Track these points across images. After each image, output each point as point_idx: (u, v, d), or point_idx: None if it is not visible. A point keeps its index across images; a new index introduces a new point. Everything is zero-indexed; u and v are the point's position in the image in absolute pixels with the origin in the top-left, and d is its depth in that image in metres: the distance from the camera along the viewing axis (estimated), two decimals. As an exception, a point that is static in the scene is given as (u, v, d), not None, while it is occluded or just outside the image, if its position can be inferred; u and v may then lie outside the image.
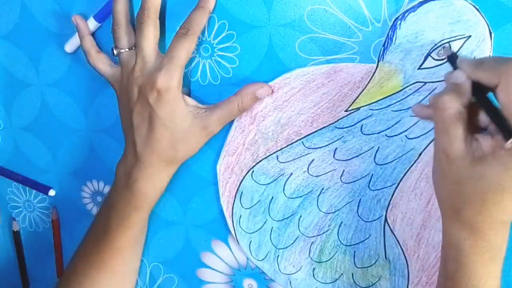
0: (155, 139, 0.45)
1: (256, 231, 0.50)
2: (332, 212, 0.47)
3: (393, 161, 0.44)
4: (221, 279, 0.54)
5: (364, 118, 0.43)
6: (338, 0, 0.41)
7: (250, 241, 0.51)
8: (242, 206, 0.50)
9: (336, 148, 0.45)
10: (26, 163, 0.60)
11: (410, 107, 0.42)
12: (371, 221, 0.46)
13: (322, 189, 0.47)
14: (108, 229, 0.49)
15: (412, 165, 0.43)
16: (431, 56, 0.40)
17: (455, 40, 0.39)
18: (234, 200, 0.50)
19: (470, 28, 0.38)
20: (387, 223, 0.46)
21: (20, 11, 0.52)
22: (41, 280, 0.66)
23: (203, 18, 0.43)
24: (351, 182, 0.46)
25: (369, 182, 0.45)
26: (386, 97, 0.42)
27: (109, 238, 0.49)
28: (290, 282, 0.51)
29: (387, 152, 0.44)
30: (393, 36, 0.40)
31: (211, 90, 0.47)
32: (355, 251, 0.48)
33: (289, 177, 0.47)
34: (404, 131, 0.43)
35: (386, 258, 0.47)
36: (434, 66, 0.40)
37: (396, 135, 0.43)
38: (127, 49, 0.46)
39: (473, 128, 0.36)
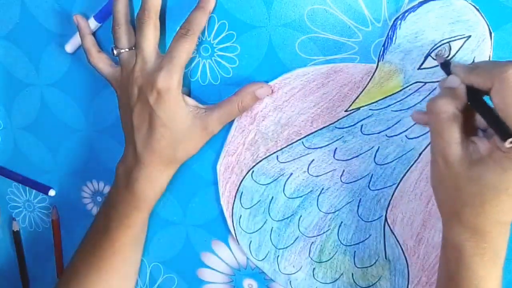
0: (155, 139, 0.45)
1: (256, 231, 0.50)
2: (332, 212, 0.47)
3: (393, 161, 0.44)
4: (221, 279, 0.54)
5: (364, 118, 0.43)
6: (338, 0, 0.41)
7: (250, 241, 0.51)
8: (242, 206, 0.50)
9: (336, 148, 0.45)
10: (26, 163, 0.60)
11: (410, 107, 0.42)
12: (371, 221, 0.46)
13: (322, 189, 0.47)
14: (108, 229, 0.49)
15: (412, 165, 0.43)
16: (431, 56, 0.40)
17: (455, 40, 0.39)
18: (234, 200, 0.50)
19: (470, 28, 0.38)
20: (387, 223, 0.46)
21: (20, 11, 0.52)
22: (41, 280, 0.66)
23: (203, 18, 0.43)
24: (351, 182, 0.46)
25: (369, 182, 0.45)
26: (386, 97, 0.42)
27: (109, 238, 0.49)
28: (290, 282, 0.51)
29: (387, 152, 0.44)
30: (393, 36, 0.40)
31: (211, 90, 0.47)
32: (355, 251, 0.48)
33: (289, 177, 0.47)
34: (404, 131, 0.43)
35: (386, 258, 0.47)
36: (434, 66, 0.40)
37: (396, 135, 0.43)
38: (127, 49, 0.46)
39: (469, 131, 0.36)
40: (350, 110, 0.43)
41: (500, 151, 0.33)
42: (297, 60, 0.43)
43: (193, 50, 0.44)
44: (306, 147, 0.46)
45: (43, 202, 0.61)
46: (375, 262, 0.47)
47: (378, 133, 0.43)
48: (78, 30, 0.49)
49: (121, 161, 0.48)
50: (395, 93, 0.42)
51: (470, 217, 0.36)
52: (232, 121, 0.47)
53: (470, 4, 0.38)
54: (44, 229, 0.63)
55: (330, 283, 0.49)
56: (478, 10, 0.38)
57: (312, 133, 0.45)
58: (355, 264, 0.48)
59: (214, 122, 0.45)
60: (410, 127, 0.42)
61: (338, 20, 0.41)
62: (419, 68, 0.40)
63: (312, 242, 0.49)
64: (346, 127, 0.44)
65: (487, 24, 0.38)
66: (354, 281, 0.48)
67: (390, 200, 0.45)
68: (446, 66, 0.38)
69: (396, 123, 0.43)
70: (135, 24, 0.45)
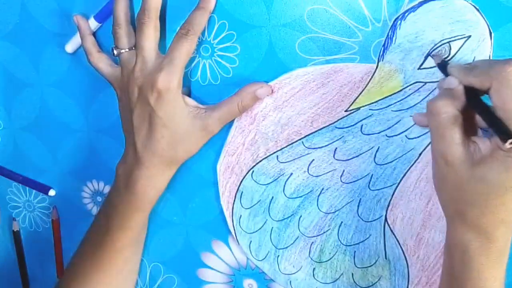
0: (155, 139, 0.45)
1: (256, 231, 0.50)
2: (332, 212, 0.47)
3: (393, 161, 0.44)
4: (221, 279, 0.54)
5: (364, 118, 0.43)
6: (338, 0, 0.41)
7: (250, 241, 0.51)
8: (242, 206, 0.50)
9: (336, 148, 0.45)
10: (26, 163, 0.60)
11: (410, 107, 0.42)
12: (371, 221, 0.46)
13: (322, 189, 0.47)
14: (108, 229, 0.49)
15: (412, 165, 0.43)
16: (431, 56, 0.40)
17: (455, 40, 0.39)
18: (234, 200, 0.50)
19: (470, 28, 0.38)
20: (387, 223, 0.46)
21: (20, 11, 0.52)
22: (41, 280, 0.66)
23: (203, 19, 0.43)
24: (351, 182, 0.46)
25: (369, 182, 0.45)
26: (386, 97, 0.42)
27: (109, 238, 0.49)
28: (290, 282, 0.51)
29: (387, 152, 0.44)
30: (393, 36, 0.40)
31: (211, 90, 0.47)
32: (355, 251, 0.48)
33: (289, 177, 0.47)
34: (404, 131, 0.43)
35: (386, 258, 0.47)
36: (434, 66, 0.40)
37: (396, 135, 0.43)
38: (127, 49, 0.46)
39: (469, 131, 0.36)
40: (350, 110, 0.43)
41: (502, 150, 0.33)
42: (297, 60, 0.43)
43: (193, 50, 0.44)
44: (306, 147, 0.46)
45: (43, 202, 0.61)
46: (375, 262, 0.47)
47: (378, 133, 0.43)
48: (78, 30, 0.49)
49: (121, 161, 0.48)
50: (395, 93, 0.42)
51: (474, 217, 0.36)
52: (232, 121, 0.47)
53: (470, 4, 0.38)
54: (44, 229, 0.63)
55: (330, 283, 0.49)
56: (478, 10, 0.38)
57: (312, 133, 0.45)
58: (355, 264, 0.48)
59: (214, 122, 0.45)
60: (410, 127, 0.42)
61: (338, 20, 0.41)
62: (419, 68, 0.40)
63: (312, 242, 0.49)
64: (346, 127, 0.44)
65: (487, 24, 0.38)
66: (354, 281, 0.48)
67: (390, 200, 0.45)
68: (443, 67, 0.38)
69: (396, 123, 0.43)
70: (135, 24, 0.45)
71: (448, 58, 0.39)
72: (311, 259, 0.49)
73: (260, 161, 0.47)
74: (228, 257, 0.53)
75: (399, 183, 0.44)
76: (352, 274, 0.48)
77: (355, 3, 0.40)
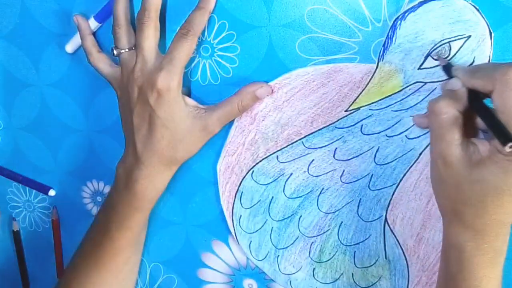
0: (155, 139, 0.45)
1: (256, 231, 0.50)
2: (332, 212, 0.47)
3: (393, 161, 0.44)
4: (221, 279, 0.54)
5: (364, 118, 0.43)
6: (338, 0, 0.41)
7: (250, 241, 0.51)
8: (242, 206, 0.50)
9: (336, 148, 0.45)
10: (26, 163, 0.60)
11: (410, 107, 0.42)
12: (371, 221, 0.46)
13: (322, 189, 0.47)
14: (108, 229, 0.49)
15: (412, 165, 0.43)
16: (431, 56, 0.40)
17: (455, 40, 0.39)
18: (234, 200, 0.50)
19: (470, 28, 0.38)
20: (387, 223, 0.46)
21: (20, 11, 0.52)
22: (41, 280, 0.66)
23: (203, 19, 0.43)
24: (351, 182, 0.46)
25: (369, 182, 0.45)
26: (386, 97, 0.42)
27: (109, 238, 0.49)
28: (290, 282, 0.51)
29: (387, 152, 0.44)
30: (393, 36, 0.40)
31: (211, 90, 0.47)
32: (355, 251, 0.48)
33: (289, 177, 0.47)
34: (404, 131, 0.43)
35: (386, 258, 0.47)
36: (434, 66, 0.40)
37: (396, 135, 0.43)
38: (127, 49, 0.46)
39: (469, 132, 0.36)
40: (350, 110, 0.43)
41: (501, 153, 0.33)
42: (297, 60, 0.43)
43: (193, 50, 0.44)
44: (306, 147, 0.46)
45: (43, 202, 0.61)
46: (375, 262, 0.47)
47: (378, 133, 0.43)
48: (79, 30, 0.49)
49: (121, 161, 0.48)
50: (395, 93, 0.42)
51: (471, 218, 0.36)
52: (232, 121, 0.47)
53: (470, 4, 0.38)
54: (44, 229, 0.63)
55: (330, 283, 0.49)
56: (478, 10, 0.38)
57: (312, 133, 0.45)
58: (355, 264, 0.48)
59: (214, 122, 0.45)
60: (410, 127, 0.42)
61: (338, 20, 0.41)
62: (419, 68, 0.40)
63: (312, 242, 0.49)
64: (346, 127, 0.44)
65: (487, 24, 0.38)
66: (354, 281, 0.49)
67: (390, 200, 0.45)
68: (447, 68, 0.38)
69: (396, 123, 0.43)
70: (135, 24, 0.45)
71: (448, 58, 0.39)
72: (311, 259, 0.49)
73: (260, 161, 0.47)
74: (228, 257, 0.53)
75: (399, 183, 0.44)
76: (352, 274, 0.48)
77: (355, 3, 0.40)
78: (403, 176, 0.44)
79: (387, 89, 0.42)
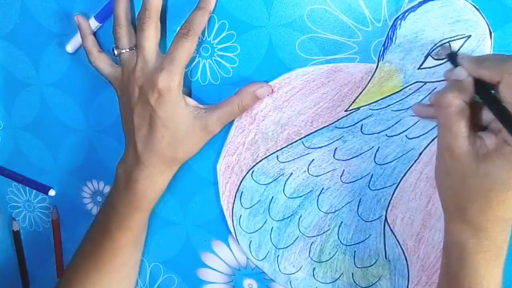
0: (155, 139, 0.45)
1: (256, 231, 0.50)
2: (332, 212, 0.47)
3: (393, 161, 0.44)
4: (221, 279, 0.54)
5: (364, 118, 0.43)
6: (338, 0, 0.41)
7: (250, 241, 0.51)
8: (242, 206, 0.50)
9: (336, 148, 0.45)
10: (26, 163, 0.60)
11: (410, 107, 0.42)
12: (371, 221, 0.46)
13: (322, 189, 0.47)
14: (109, 229, 0.49)
15: (412, 165, 0.43)
16: (431, 56, 0.40)
17: (455, 39, 0.39)
18: (234, 200, 0.50)
19: (470, 28, 0.38)
20: (387, 223, 0.46)
21: (20, 11, 0.52)
22: (41, 280, 0.66)
23: (204, 19, 0.43)
24: (351, 182, 0.46)
25: (369, 182, 0.45)
26: (386, 97, 0.42)
27: (110, 238, 0.49)
28: (290, 282, 0.51)
29: (387, 152, 0.44)
30: (393, 36, 0.40)
31: (211, 90, 0.47)
32: (355, 251, 0.48)
33: (289, 177, 0.47)
34: (404, 131, 0.43)
35: (386, 258, 0.47)
36: (434, 66, 0.40)
37: (396, 135, 0.43)
38: (128, 49, 0.46)
39: (475, 125, 0.36)
40: (350, 110, 0.44)
41: (509, 145, 0.33)
42: (297, 60, 0.43)
43: (194, 50, 0.44)
44: (306, 147, 0.46)
45: (43, 202, 0.61)
46: (375, 262, 0.47)
47: (378, 133, 0.44)
48: (79, 30, 0.49)
49: (121, 161, 0.48)
50: (395, 93, 0.42)
51: (474, 214, 0.36)
52: (232, 121, 0.47)
53: (470, 4, 0.38)
54: (44, 229, 0.63)
55: (330, 283, 0.49)
56: (478, 10, 0.38)
57: (312, 133, 0.45)
58: (355, 264, 0.48)
59: (214, 122, 0.45)
60: (410, 127, 0.42)
61: (338, 20, 0.41)
62: (419, 68, 0.40)
63: (312, 242, 0.49)
64: (346, 127, 0.44)
65: (487, 24, 0.38)
66: (354, 281, 0.49)
67: (390, 200, 0.45)
68: (453, 57, 0.38)
69: (396, 123, 0.43)
70: (136, 24, 0.45)
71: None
72: (311, 259, 0.49)
73: (260, 161, 0.47)
74: (228, 257, 0.53)
75: (399, 183, 0.44)
76: (352, 274, 0.48)
77: (355, 3, 0.40)
78: (403, 176, 0.44)
79: (387, 89, 0.42)
